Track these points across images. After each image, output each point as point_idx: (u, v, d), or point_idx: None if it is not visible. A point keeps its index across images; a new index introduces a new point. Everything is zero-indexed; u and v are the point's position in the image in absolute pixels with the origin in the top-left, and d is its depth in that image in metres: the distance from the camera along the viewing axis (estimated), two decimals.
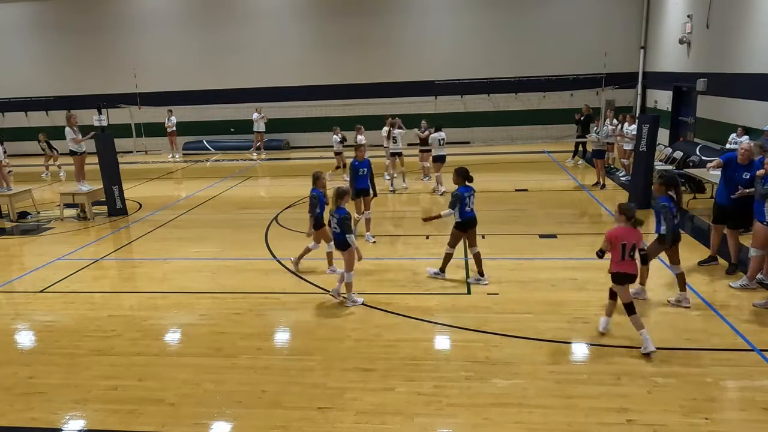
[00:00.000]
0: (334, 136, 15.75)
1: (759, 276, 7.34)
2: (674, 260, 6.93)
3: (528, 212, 11.71)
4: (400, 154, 14.97)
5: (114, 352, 6.42)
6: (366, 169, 9.89)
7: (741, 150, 7.66)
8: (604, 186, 13.57)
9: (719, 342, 6.08)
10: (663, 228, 6.68)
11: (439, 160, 13.68)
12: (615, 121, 15.23)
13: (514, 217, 11.31)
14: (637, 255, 5.95)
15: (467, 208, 7.77)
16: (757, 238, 7.12)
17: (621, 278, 5.93)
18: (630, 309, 5.91)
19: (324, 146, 20.85)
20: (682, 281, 6.95)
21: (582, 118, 16.60)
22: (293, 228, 11.21)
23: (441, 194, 13.40)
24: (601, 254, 5.99)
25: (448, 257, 8.05)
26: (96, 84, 22.38)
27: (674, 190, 6.75)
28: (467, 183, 7.80)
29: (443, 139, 13.75)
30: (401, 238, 10.49)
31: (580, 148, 16.96)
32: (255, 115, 20.84)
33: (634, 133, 13.32)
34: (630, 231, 5.88)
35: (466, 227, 7.84)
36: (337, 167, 15.99)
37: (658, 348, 5.92)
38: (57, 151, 18.76)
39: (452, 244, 7.96)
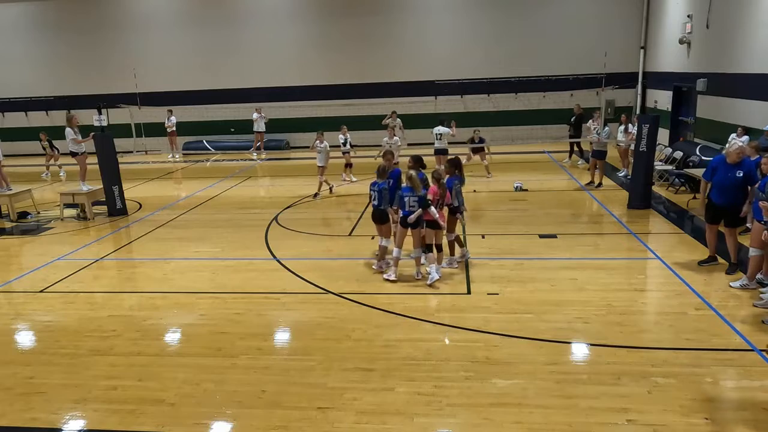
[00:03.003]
0: (340, 136, 15.49)
1: (759, 276, 7.34)
2: (452, 229, 8.55)
3: (528, 212, 11.70)
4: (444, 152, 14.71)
5: (114, 352, 6.42)
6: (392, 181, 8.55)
7: (733, 152, 7.64)
8: (600, 185, 13.63)
9: (719, 342, 6.08)
10: (457, 201, 8.40)
11: (441, 152, 14.61)
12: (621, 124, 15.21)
13: (514, 217, 11.31)
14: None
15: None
16: (755, 237, 7.13)
17: (433, 225, 7.89)
18: (430, 248, 7.99)
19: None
20: (460, 242, 8.77)
21: (573, 119, 16.69)
22: (293, 228, 11.21)
23: None
24: (430, 203, 7.76)
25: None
26: (96, 84, 22.37)
27: (459, 171, 8.53)
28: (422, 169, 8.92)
29: (440, 134, 14.74)
30: None
31: (576, 148, 17.03)
32: (255, 115, 20.82)
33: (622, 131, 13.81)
34: (441, 189, 7.97)
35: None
36: (347, 165, 15.84)
37: (658, 348, 5.95)
38: (58, 151, 18.76)
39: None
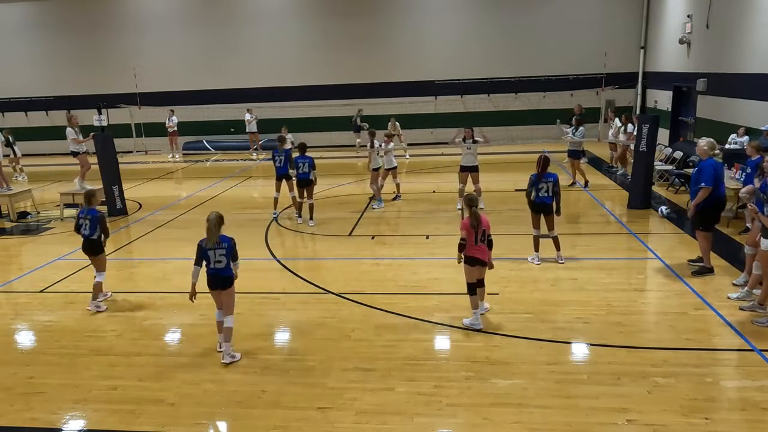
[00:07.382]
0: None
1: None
2: (549, 226, 8.49)
3: (528, 212, 11.65)
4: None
5: (114, 352, 6.42)
6: (283, 158, 11.47)
7: (698, 148, 7.81)
8: (575, 183, 13.92)
9: (719, 342, 6.09)
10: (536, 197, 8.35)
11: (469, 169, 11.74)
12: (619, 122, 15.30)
13: (514, 217, 11.30)
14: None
15: (300, 171, 10.84)
16: (752, 236, 7.10)
17: (472, 261, 6.43)
18: (471, 289, 6.52)
19: (322, 146, 20.88)
20: (556, 242, 8.59)
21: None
22: (293, 228, 11.21)
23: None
24: (463, 243, 6.39)
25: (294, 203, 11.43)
26: (96, 84, 22.34)
27: (540, 168, 8.27)
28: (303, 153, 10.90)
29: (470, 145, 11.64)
30: (401, 238, 10.48)
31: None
32: (247, 116, 20.80)
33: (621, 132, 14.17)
34: (478, 219, 6.34)
35: (300, 184, 11.08)
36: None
37: (658, 348, 5.95)
38: (16, 153, 17.70)
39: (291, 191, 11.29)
